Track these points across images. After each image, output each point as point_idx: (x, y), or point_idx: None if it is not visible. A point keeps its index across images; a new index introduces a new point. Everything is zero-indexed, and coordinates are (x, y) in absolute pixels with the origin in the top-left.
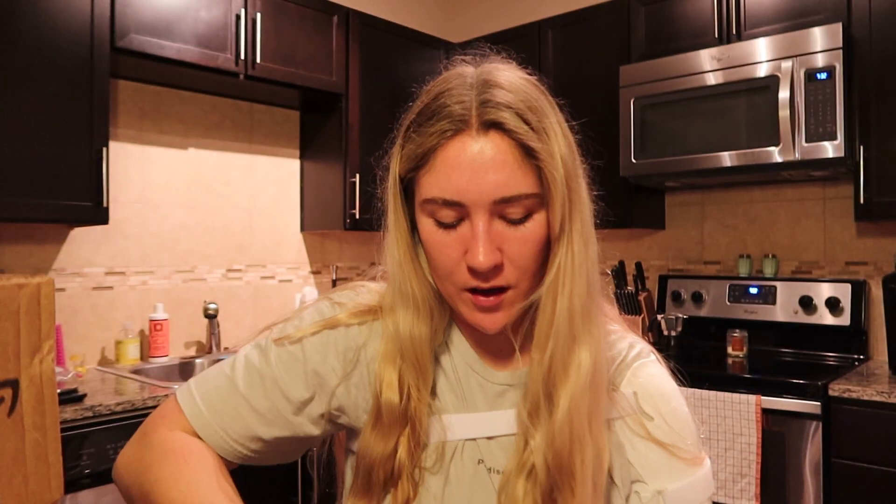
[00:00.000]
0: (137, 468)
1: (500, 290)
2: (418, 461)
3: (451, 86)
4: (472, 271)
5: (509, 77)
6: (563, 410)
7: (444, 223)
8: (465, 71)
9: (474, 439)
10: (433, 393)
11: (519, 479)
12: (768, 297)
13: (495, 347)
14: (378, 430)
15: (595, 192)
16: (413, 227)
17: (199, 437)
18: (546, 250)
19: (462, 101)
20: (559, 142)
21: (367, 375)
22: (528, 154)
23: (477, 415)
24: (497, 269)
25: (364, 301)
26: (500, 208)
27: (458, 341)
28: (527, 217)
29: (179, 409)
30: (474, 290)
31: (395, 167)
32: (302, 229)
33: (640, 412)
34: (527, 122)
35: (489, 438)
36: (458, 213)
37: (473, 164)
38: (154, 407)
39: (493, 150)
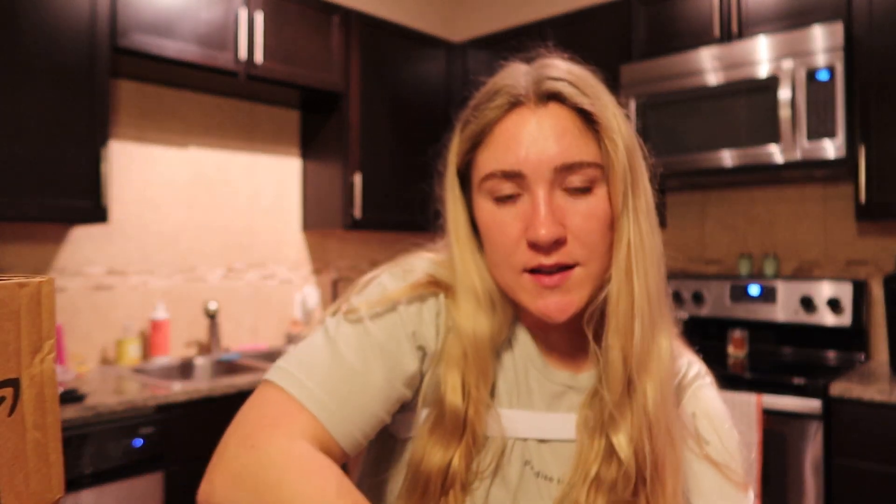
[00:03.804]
0: (256, 485)
1: (566, 268)
2: (471, 464)
3: (507, 73)
4: (534, 246)
5: (563, 62)
6: (654, 400)
7: (502, 198)
8: (518, 64)
9: (525, 440)
10: (491, 389)
11: (582, 489)
12: (769, 296)
13: (560, 346)
14: (438, 435)
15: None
16: (472, 224)
17: (324, 430)
18: (612, 231)
19: (519, 81)
20: (618, 119)
21: (439, 351)
22: (588, 123)
23: (532, 413)
24: (559, 243)
25: (431, 272)
26: (561, 177)
27: (522, 337)
28: (588, 189)
29: (293, 404)
30: (536, 271)
31: (452, 159)
32: (303, 229)
33: (697, 436)
34: (584, 93)
35: (541, 441)
36: (517, 185)
37: (532, 132)
38: (155, 406)
39: (553, 119)
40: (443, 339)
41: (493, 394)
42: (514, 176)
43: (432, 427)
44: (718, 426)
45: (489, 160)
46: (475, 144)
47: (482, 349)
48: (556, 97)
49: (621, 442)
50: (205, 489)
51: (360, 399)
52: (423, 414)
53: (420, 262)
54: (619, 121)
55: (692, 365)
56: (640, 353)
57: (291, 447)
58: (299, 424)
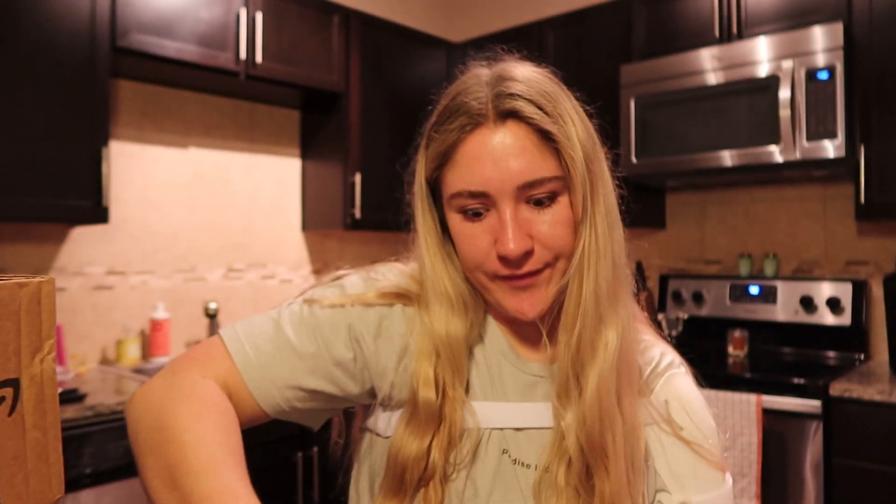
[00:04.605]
0: (159, 400)
1: (534, 273)
2: (449, 457)
3: (467, 86)
4: (503, 259)
5: (522, 70)
6: (592, 389)
7: (471, 214)
8: (479, 72)
9: (501, 429)
10: (465, 386)
11: (560, 468)
12: (769, 296)
13: (531, 337)
14: (413, 427)
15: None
16: (444, 228)
17: (240, 378)
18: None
19: (478, 97)
20: (576, 126)
21: (393, 355)
22: (547, 139)
23: (507, 404)
24: (528, 255)
25: (398, 282)
26: (525, 193)
27: (492, 330)
28: (552, 200)
29: (221, 350)
30: (506, 277)
31: (420, 171)
32: (303, 229)
33: (670, 420)
34: (541, 109)
35: (517, 430)
36: (484, 203)
37: (494, 153)
38: None
39: (512, 139)
40: (391, 344)
41: (467, 388)
42: (479, 195)
43: (408, 420)
44: (691, 411)
45: (455, 180)
46: (440, 164)
47: (456, 349)
48: (514, 115)
49: (566, 428)
50: (126, 406)
51: (285, 364)
52: (398, 412)
53: (390, 273)
54: (577, 129)
55: (665, 355)
56: (582, 347)
57: (198, 381)
58: (216, 366)
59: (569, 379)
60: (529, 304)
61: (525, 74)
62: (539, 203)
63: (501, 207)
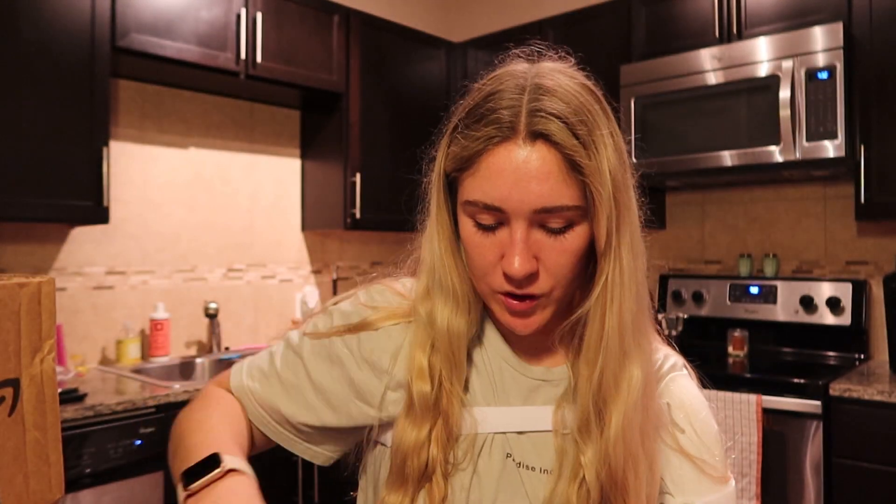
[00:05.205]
0: (188, 410)
1: (533, 297)
2: (448, 455)
3: (503, 87)
4: (507, 277)
5: (563, 82)
6: (616, 428)
7: (483, 226)
8: (517, 70)
9: (504, 433)
10: (465, 386)
11: (572, 485)
12: (769, 296)
13: (529, 343)
14: (411, 419)
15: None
16: (455, 222)
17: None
18: (586, 261)
19: (512, 107)
20: (609, 155)
21: (382, 373)
22: (575, 168)
23: (509, 408)
24: (532, 277)
25: (388, 308)
26: (541, 218)
27: (492, 335)
28: (567, 228)
29: (227, 375)
30: (507, 294)
31: (440, 162)
32: (303, 229)
33: (672, 424)
34: (576, 136)
35: (519, 433)
36: (497, 217)
37: (517, 172)
38: (155, 406)
39: (539, 161)
40: (391, 364)
41: (468, 391)
42: (494, 209)
43: (406, 412)
44: (693, 416)
45: (473, 189)
46: (460, 168)
47: (456, 345)
48: (545, 137)
49: (586, 463)
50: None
51: (268, 389)
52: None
53: (379, 297)
54: (609, 158)
55: (668, 358)
56: (604, 383)
57: (214, 389)
58: (226, 385)
59: (590, 414)
60: (524, 325)
61: (566, 88)
62: (553, 229)
63: (514, 226)
